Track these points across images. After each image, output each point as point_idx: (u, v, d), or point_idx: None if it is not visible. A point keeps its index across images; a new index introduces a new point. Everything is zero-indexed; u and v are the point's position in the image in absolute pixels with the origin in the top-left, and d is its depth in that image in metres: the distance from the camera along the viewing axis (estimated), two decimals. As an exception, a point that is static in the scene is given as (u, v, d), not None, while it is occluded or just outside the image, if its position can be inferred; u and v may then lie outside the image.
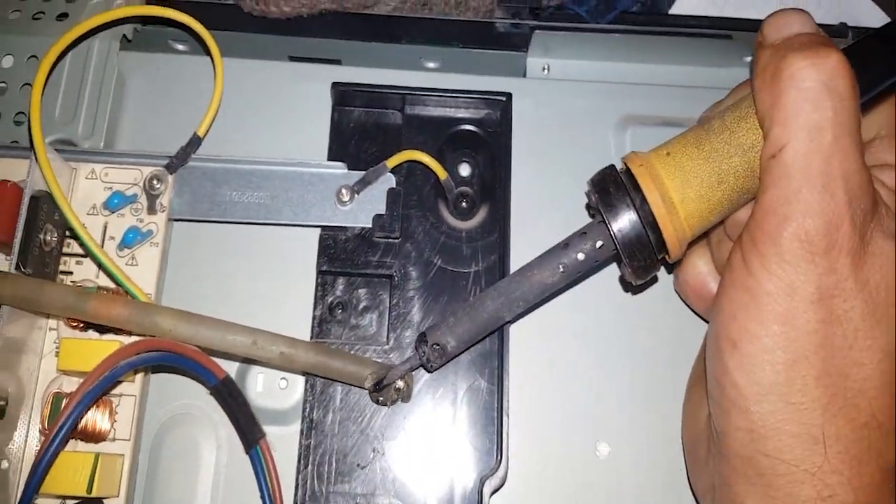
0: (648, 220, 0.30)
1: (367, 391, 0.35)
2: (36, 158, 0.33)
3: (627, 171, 0.31)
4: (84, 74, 0.39)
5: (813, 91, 0.27)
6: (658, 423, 0.37)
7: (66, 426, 0.28)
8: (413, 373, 0.35)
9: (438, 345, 0.33)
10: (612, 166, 0.32)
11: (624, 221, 0.31)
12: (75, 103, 0.39)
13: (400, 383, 0.34)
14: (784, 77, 0.28)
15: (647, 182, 0.30)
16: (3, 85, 0.40)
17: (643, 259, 0.31)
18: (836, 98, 0.27)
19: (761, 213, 0.28)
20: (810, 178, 0.27)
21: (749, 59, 0.42)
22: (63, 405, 0.29)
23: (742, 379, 0.28)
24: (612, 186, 0.31)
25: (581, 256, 0.32)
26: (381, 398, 0.34)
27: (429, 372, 0.35)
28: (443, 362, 0.34)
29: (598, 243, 0.32)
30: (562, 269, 0.32)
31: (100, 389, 0.29)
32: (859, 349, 0.28)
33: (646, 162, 0.31)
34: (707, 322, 0.37)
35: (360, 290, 0.37)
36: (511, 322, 0.35)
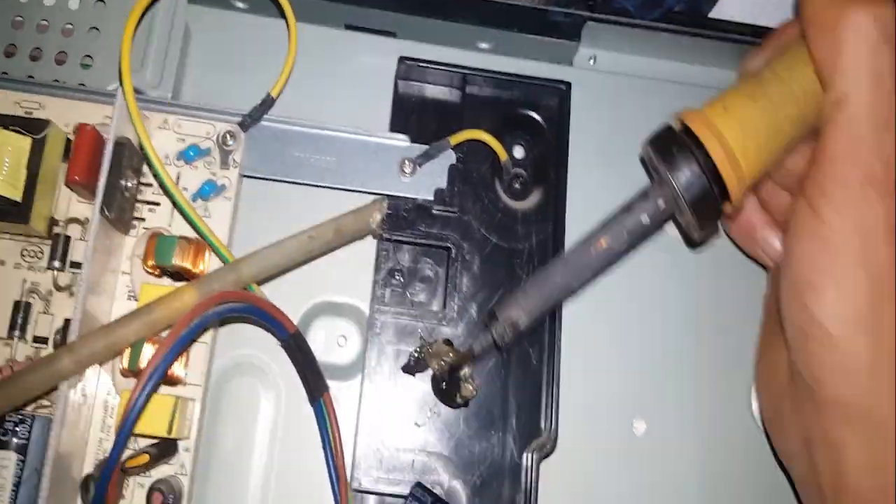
0: (713, 174, 0.31)
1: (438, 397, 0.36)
2: (127, 106, 0.34)
3: (685, 127, 0.32)
4: (152, 23, 0.39)
5: (874, 40, 0.29)
6: (694, 404, 0.39)
7: (161, 368, 0.29)
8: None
9: (511, 321, 0.33)
10: (669, 126, 0.33)
11: (690, 178, 0.31)
12: (143, 51, 0.39)
13: (470, 386, 0.36)
14: (845, 27, 0.29)
15: (710, 138, 0.31)
16: (69, 26, 0.39)
17: (709, 211, 0.32)
18: (894, 45, 0.29)
19: (827, 159, 0.29)
20: (876, 122, 0.29)
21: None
22: (156, 349, 0.30)
23: (830, 321, 0.29)
24: (675, 146, 0.32)
25: (646, 219, 0.33)
26: (458, 399, 0.36)
27: (499, 350, 0.35)
28: (514, 339, 0.33)
29: (661, 203, 0.32)
30: (626, 235, 0.33)
31: (191, 335, 0.30)
32: None
33: (704, 118, 0.32)
34: (759, 264, 0.39)
35: (418, 259, 0.38)
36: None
